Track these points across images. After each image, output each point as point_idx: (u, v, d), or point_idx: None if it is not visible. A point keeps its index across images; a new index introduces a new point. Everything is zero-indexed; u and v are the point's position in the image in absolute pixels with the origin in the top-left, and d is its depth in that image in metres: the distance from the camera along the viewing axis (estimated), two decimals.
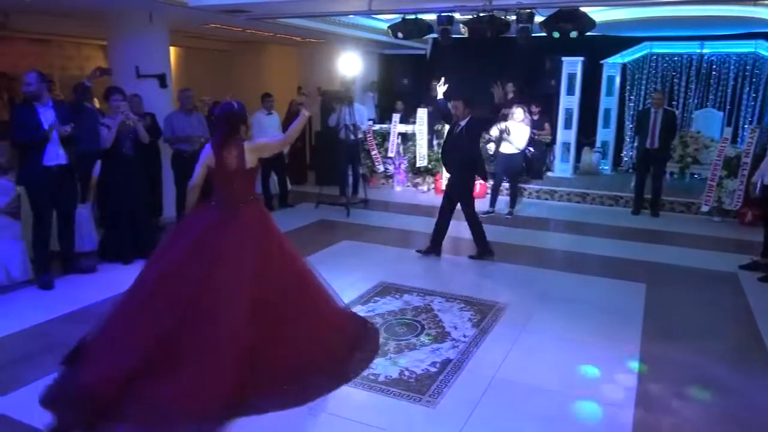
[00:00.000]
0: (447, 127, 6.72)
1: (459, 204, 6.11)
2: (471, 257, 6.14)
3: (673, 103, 10.47)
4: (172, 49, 9.24)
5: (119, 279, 5.34)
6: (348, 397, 3.40)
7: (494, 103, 5.96)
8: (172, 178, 7.14)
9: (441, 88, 6.33)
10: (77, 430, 2.89)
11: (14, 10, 8.02)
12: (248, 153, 3.50)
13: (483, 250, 6.12)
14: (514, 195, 8.22)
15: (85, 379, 3.06)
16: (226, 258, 3.28)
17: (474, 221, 6.10)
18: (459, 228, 7.43)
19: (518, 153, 7.99)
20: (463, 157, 5.98)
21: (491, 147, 9.49)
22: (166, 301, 3.19)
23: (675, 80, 10.59)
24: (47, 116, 4.89)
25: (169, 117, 6.96)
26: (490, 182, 8.38)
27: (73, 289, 5.08)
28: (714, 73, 10.31)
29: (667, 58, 10.62)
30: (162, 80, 7.55)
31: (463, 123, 5.92)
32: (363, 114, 9.28)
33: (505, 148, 8.00)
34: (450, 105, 6.06)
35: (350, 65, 8.67)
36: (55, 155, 4.96)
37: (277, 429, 3.09)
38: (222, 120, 3.55)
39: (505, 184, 8.47)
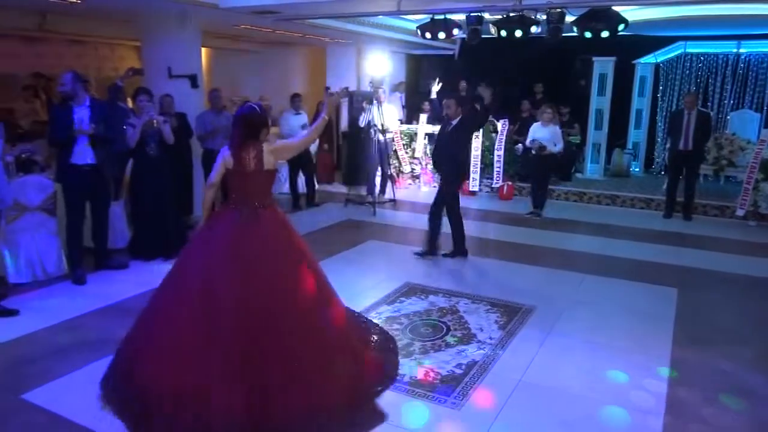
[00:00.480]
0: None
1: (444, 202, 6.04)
2: (445, 255, 6.10)
3: (708, 104, 10.24)
4: (203, 50, 9.38)
5: (150, 275, 5.46)
6: None
7: (484, 104, 5.86)
8: (202, 176, 7.26)
9: (435, 87, 6.34)
10: None
11: (51, 12, 8.24)
12: (267, 154, 3.41)
13: (459, 249, 6.12)
14: (543, 196, 8.12)
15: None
16: (260, 264, 3.22)
17: (458, 221, 6.07)
18: (485, 229, 7.39)
19: (549, 155, 7.85)
20: (453, 156, 5.96)
21: (520, 147, 9.42)
22: (222, 315, 3.08)
23: (710, 81, 10.35)
24: (82, 116, 5.01)
25: (200, 116, 7.11)
26: (517, 183, 8.28)
27: (106, 284, 5.20)
28: (751, 73, 10.06)
29: (702, 58, 10.39)
30: (193, 80, 7.68)
31: (454, 122, 5.88)
32: (392, 114, 9.31)
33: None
34: (443, 103, 6.03)
35: (379, 66, 8.69)
36: (84, 154, 5.08)
37: None
38: (242, 121, 3.44)
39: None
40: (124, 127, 5.59)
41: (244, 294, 3.14)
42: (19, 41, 10.20)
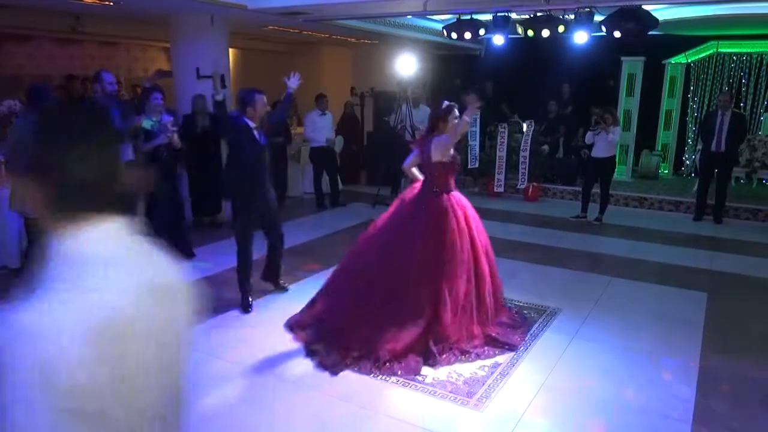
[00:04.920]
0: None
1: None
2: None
3: (741, 105, 10.01)
4: (231, 51, 9.49)
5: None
6: (395, 396, 3.42)
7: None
8: None
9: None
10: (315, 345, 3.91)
11: (84, 14, 8.44)
12: (435, 149, 4.19)
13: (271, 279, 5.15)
14: (606, 200, 7.91)
15: (319, 310, 4.25)
16: (428, 230, 4.10)
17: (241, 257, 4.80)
18: (509, 230, 7.34)
19: (610, 157, 7.66)
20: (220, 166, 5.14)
21: (546, 148, 9.34)
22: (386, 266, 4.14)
23: (743, 81, 10.12)
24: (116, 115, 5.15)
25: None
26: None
27: None
28: None
29: (734, 58, 10.15)
30: (221, 81, 7.78)
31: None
32: (427, 115, 9.32)
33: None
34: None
35: (408, 66, 8.67)
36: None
37: (323, 425, 3.16)
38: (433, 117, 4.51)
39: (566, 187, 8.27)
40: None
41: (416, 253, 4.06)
42: (53, 43, 10.48)
